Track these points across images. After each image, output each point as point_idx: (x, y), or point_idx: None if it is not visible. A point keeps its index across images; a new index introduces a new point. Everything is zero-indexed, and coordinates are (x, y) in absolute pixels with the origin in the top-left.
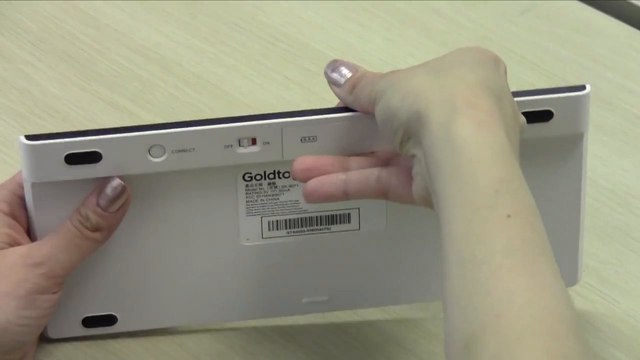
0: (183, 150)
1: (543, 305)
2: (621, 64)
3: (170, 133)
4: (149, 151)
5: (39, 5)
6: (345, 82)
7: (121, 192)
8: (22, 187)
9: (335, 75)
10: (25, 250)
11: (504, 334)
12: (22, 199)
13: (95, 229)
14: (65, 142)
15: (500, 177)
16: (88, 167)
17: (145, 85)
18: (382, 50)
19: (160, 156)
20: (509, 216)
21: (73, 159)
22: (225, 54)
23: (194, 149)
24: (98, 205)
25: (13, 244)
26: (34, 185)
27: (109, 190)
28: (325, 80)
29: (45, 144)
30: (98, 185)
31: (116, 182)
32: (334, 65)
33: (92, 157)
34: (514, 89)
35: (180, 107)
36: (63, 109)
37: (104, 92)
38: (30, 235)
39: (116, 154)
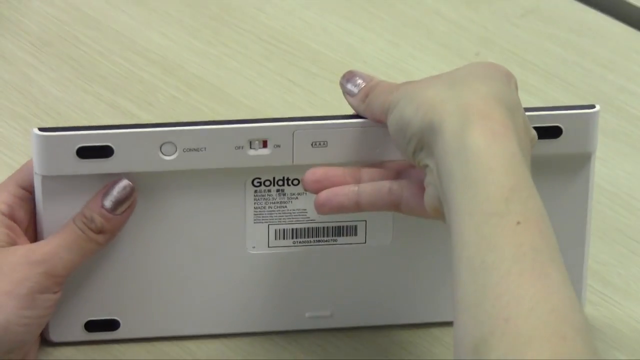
0: (194, 149)
1: (551, 309)
2: (623, 65)
3: (183, 130)
4: (160, 148)
5: (40, 7)
6: (359, 90)
7: (129, 193)
8: (21, 189)
9: (349, 86)
10: (27, 248)
11: (512, 336)
12: (21, 200)
13: (99, 231)
14: (78, 135)
15: (511, 185)
16: (99, 162)
17: (147, 87)
18: (384, 51)
19: (172, 154)
20: (518, 223)
21: (85, 153)
22: (227, 56)
23: (205, 148)
24: (103, 207)
25: (12, 244)
26: (44, 178)
27: (116, 191)
28: (327, 83)
29: (58, 136)
30: (103, 188)
31: (124, 182)
32: (349, 76)
33: (104, 152)
34: None
35: (182, 109)
36: (65, 111)
37: (105, 94)
38: (37, 230)
39: (128, 150)
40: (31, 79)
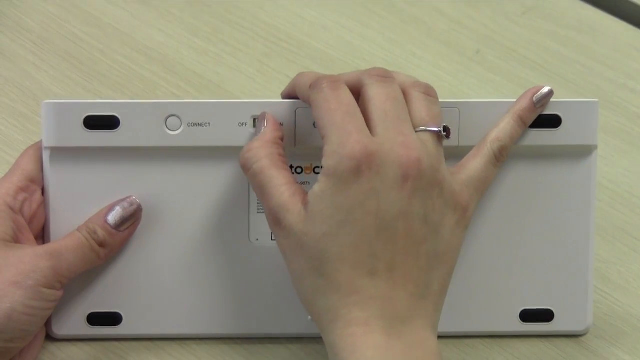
0: (198, 124)
1: None
2: (623, 63)
3: (188, 104)
4: (165, 122)
5: (41, 5)
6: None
7: (134, 211)
8: (27, 179)
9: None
10: (34, 246)
11: None
12: (27, 192)
13: (101, 244)
14: (85, 104)
15: None
16: (106, 134)
17: (147, 85)
18: (384, 49)
19: (177, 129)
20: None
21: (92, 123)
22: (227, 54)
23: (209, 123)
24: (106, 222)
25: (16, 239)
26: (52, 151)
27: (121, 207)
28: None
29: (66, 104)
30: (110, 205)
31: (131, 199)
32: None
33: (110, 123)
34: (515, 88)
35: None
36: None
37: (106, 92)
38: (45, 205)
39: (134, 121)
40: (31, 77)
